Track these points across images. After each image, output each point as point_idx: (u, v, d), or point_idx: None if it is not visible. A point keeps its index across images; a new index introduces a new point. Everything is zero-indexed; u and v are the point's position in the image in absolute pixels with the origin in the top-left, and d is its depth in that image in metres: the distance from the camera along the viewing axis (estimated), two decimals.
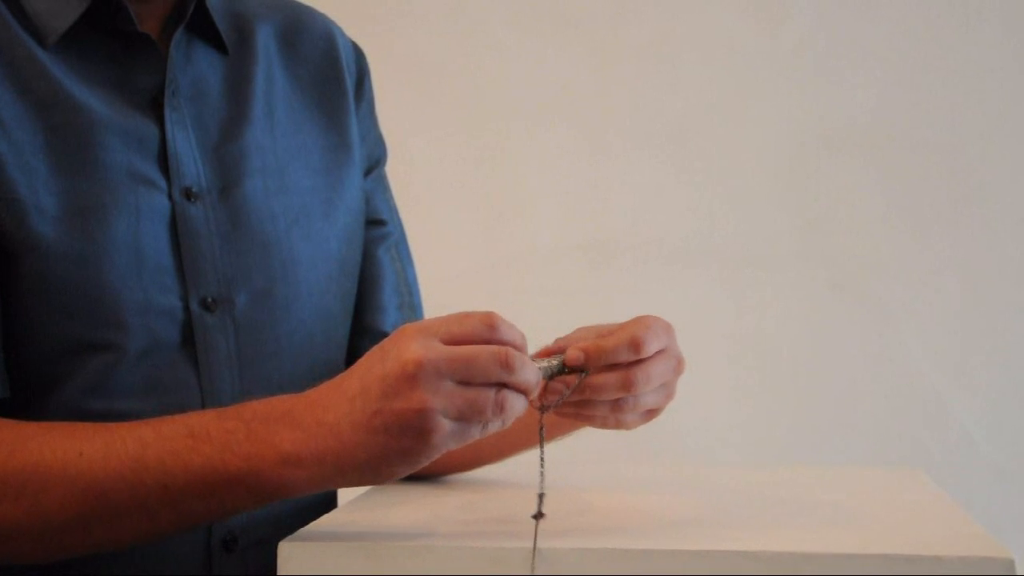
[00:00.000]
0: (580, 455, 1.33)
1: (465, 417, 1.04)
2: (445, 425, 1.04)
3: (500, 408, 1.05)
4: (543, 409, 1.11)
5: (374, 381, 1.05)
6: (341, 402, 1.06)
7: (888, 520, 1.19)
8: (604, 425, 1.19)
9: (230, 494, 1.10)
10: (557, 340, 1.17)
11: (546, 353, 1.14)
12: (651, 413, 1.19)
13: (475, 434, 1.06)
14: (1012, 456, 2.51)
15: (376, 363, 1.06)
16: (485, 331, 1.05)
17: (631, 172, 2.55)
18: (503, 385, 1.05)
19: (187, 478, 1.10)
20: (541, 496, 1.07)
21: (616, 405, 1.15)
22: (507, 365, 1.04)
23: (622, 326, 1.16)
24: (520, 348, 1.06)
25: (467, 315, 1.06)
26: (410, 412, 1.03)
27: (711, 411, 2.51)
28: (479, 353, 1.04)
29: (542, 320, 2.56)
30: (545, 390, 1.13)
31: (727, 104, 2.54)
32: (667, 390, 1.18)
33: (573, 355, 1.12)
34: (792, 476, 1.43)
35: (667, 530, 1.13)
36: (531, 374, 1.06)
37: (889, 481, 1.40)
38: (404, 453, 1.05)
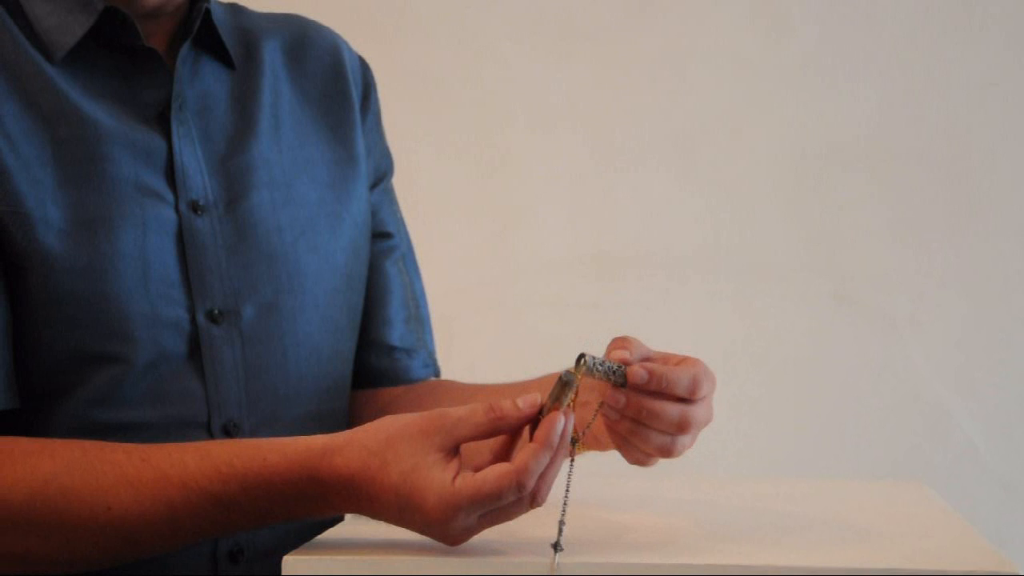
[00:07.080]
0: (581, 469, 1.33)
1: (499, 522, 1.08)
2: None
3: (534, 504, 1.07)
4: (574, 442, 1.08)
5: (414, 523, 1.07)
6: (378, 512, 1.08)
7: (892, 534, 1.19)
8: (637, 457, 1.16)
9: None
10: (617, 340, 1.13)
11: (621, 345, 1.11)
12: (667, 453, 1.16)
13: None
14: (1017, 468, 2.50)
15: (417, 515, 1.06)
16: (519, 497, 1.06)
17: (636, 184, 2.55)
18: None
19: (225, 532, 1.15)
20: (561, 524, 1.06)
21: (663, 442, 1.13)
22: (536, 503, 1.06)
23: (678, 360, 1.14)
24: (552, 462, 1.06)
25: (498, 497, 1.04)
26: (447, 542, 1.07)
27: (714, 422, 2.50)
28: (501, 497, 1.04)
29: (548, 331, 2.58)
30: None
31: (732, 116, 2.54)
32: (694, 438, 1.16)
33: (637, 372, 1.09)
34: (795, 489, 1.43)
35: (669, 546, 1.13)
36: (558, 467, 1.06)
37: (893, 494, 1.40)
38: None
